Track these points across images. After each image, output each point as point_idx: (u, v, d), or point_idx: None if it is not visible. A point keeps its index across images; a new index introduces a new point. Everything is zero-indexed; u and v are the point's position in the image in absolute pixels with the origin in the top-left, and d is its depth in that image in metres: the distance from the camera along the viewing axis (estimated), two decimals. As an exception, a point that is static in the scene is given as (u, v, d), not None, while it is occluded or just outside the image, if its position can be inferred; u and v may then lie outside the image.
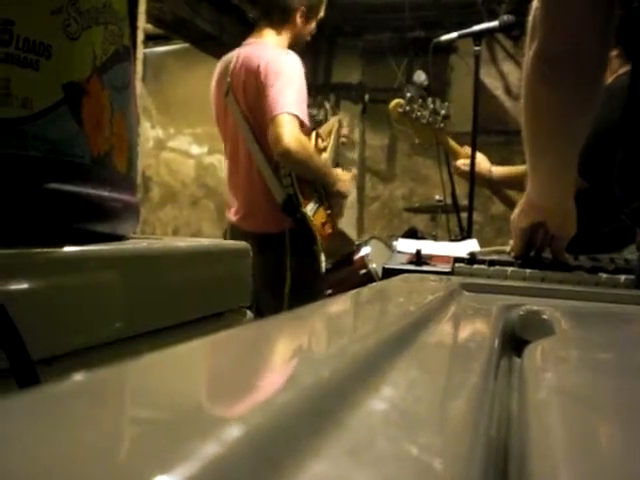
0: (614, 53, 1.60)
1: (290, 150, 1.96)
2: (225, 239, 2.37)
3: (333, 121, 2.30)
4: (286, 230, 2.13)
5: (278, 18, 2.19)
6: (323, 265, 2.20)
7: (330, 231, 2.22)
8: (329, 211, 2.22)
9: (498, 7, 4.22)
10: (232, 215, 2.31)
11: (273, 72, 2.03)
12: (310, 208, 2.13)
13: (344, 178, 2.27)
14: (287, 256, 2.13)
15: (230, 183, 2.32)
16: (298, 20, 2.21)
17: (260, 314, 2.19)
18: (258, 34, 2.23)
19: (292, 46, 2.20)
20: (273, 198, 2.14)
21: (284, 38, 2.21)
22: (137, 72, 3.02)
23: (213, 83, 2.29)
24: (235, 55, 2.21)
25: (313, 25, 2.28)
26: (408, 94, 1.95)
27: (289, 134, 1.97)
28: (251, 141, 2.14)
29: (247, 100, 2.13)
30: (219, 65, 2.29)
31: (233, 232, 2.31)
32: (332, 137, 2.29)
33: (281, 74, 2.03)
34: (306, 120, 2.07)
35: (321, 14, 2.29)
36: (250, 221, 2.23)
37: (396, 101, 1.96)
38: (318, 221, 2.15)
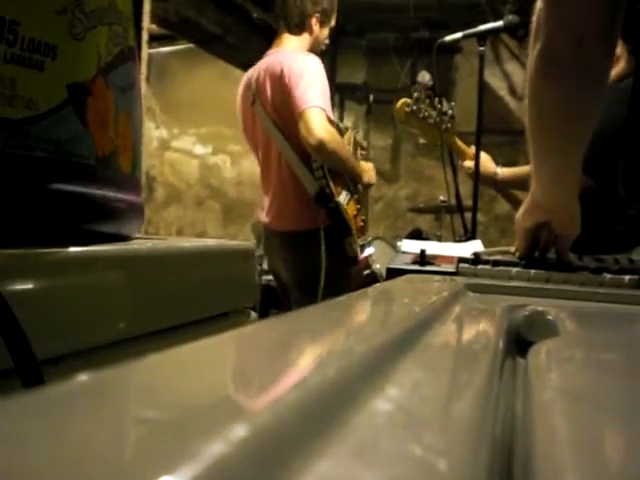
0: (624, 54, 1.60)
1: (323, 141, 2.03)
2: (259, 240, 2.49)
3: (350, 134, 2.34)
4: (320, 227, 2.19)
5: (295, 24, 2.29)
6: (358, 254, 2.28)
7: (362, 224, 2.31)
8: (359, 205, 2.29)
9: (502, 7, 4.21)
10: (264, 216, 2.38)
11: (296, 74, 2.11)
12: (342, 198, 2.20)
13: (367, 168, 2.37)
14: (322, 253, 2.19)
15: (263, 186, 2.40)
16: (314, 26, 2.30)
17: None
18: (278, 43, 2.33)
19: (310, 52, 2.28)
20: (305, 196, 2.21)
21: (303, 44, 2.30)
22: (141, 72, 3.02)
23: (238, 97, 2.39)
24: (258, 66, 2.30)
25: (327, 32, 2.37)
26: (415, 94, 1.95)
27: (320, 126, 2.05)
28: (281, 141, 2.21)
29: (274, 104, 2.21)
30: (243, 79, 2.39)
31: (266, 231, 2.39)
32: (351, 148, 2.34)
33: (304, 75, 2.11)
34: (331, 115, 2.14)
35: (333, 22, 2.39)
36: (282, 220, 2.30)
37: (403, 100, 1.96)
38: (350, 212, 2.22)
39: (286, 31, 2.31)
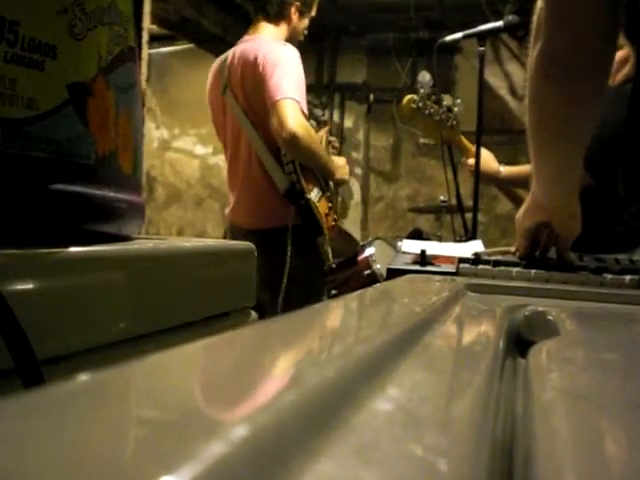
0: (632, 55, 1.59)
1: (296, 135, 1.95)
2: (225, 238, 2.37)
3: (323, 132, 2.28)
4: (288, 225, 2.10)
5: (274, 12, 2.20)
6: (330, 256, 2.18)
7: (333, 223, 2.20)
8: (330, 203, 2.20)
9: (503, 7, 4.21)
10: (231, 213, 2.29)
11: (271, 63, 2.02)
12: (314, 195, 2.11)
13: (340, 164, 2.25)
14: (287, 252, 2.10)
15: (230, 181, 2.30)
16: (293, 15, 2.21)
17: (262, 315, 2.18)
18: (254, 30, 2.23)
19: (288, 41, 2.19)
20: (273, 191, 2.12)
21: (280, 33, 2.21)
22: (142, 72, 3.02)
23: (208, 84, 2.29)
24: (231, 52, 2.20)
25: (306, 22, 2.28)
26: (421, 90, 1.95)
27: (293, 119, 1.96)
28: (251, 132, 2.13)
29: (245, 93, 2.12)
30: (214, 65, 2.29)
31: (232, 230, 2.29)
32: (323, 144, 2.25)
33: (279, 65, 2.02)
34: (305, 109, 2.05)
35: (314, 12, 2.29)
36: (250, 217, 2.21)
37: (409, 97, 1.96)
38: (322, 210, 2.13)
39: (264, 19, 2.22)
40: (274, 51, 2.07)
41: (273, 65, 2.02)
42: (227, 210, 2.32)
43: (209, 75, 2.29)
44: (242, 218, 2.23)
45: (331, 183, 2.25)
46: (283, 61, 2.03)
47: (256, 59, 2.06)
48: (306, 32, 2.31)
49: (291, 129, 1.94)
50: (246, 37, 2.24)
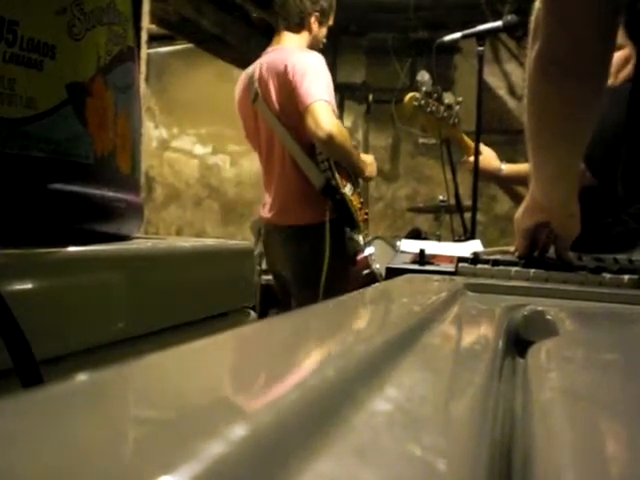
0: (628, 54, 1.59)
1: (332, 134, 2.06)
2: (258, 236, 2.47)
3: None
4: (325, 220, 2.21)
5: (295, 23, 2.31)
6: (362, 245, 2.31)
7: (365, 217, 2.32)
8: (362, 199, 2.31)
9: (502, 7, 4.21)
10: (266, 212, 2.39)
11: (300, 71, 2.14)
12: (348, 190, 2.22)
13: (369, 161, 2.39)
14: (325, 246, 2.21)
15: (265, 183, 2.41)
16: (313, 25, 2.33)
17: (289, 309, 2.26)
18: (277, 41, 2.35)
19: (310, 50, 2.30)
20: (308, 190, 2.23)
21: (302, 42, 2.33)
22: (141, 72, 3.02)
23: (237, 96, 2.40)
24: (258, 64, 2.31)
25: (325, 31, 2.40)
26: (424, 88, 1.95)
27: (328, 119, 2.08)
28: (285, 136, 2.23)
29: (278, 100, 2.22)
30: (242, 77, 2.40)
31: (268, 228, 2.39)
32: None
33: (308, 72, 2.14)
34: (336, 110, 2.18)
35: (331, 21, 2.41)
36: (285, 215, 2.31)
37: (411, 94, 1.96)
38: (355, 205, 2.24)
39: (285, 29, 2.33)
40: (301, 59, 2.19)
41: (302, 72, 2.13)
42: (262, 211, 2.42)
43: (237, 88, 2.40)
44: (278, 216, 2.33)
45: (360, 180, 2.35)
46: (311, 67, 2.15)
47: (285, 68, 2.17)
48: (325, 40, 2.43)
49: (327, 129, 2.06)
50: (270, 48, 2.34)
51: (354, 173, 2.28)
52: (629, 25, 1.07)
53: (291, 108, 2.17)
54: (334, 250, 2.23)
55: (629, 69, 1.58)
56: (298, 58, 2.19)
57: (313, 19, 2.32)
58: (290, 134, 2.22)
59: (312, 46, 2.33)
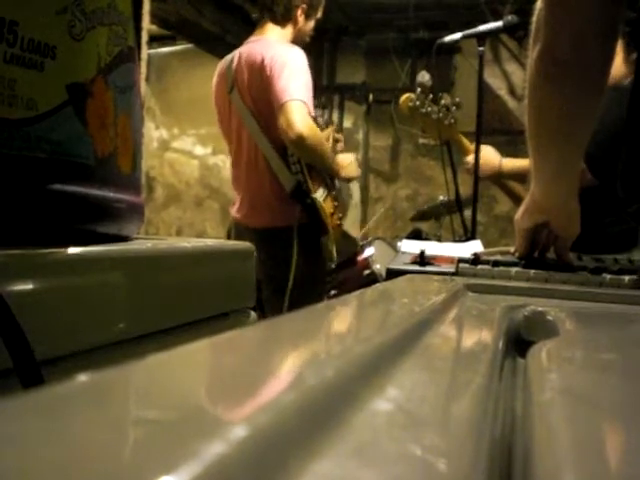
0: (632, 56, 1.60)
1: (303, 135, 1.97)
2: (229, 237, 2.39)
3: (330, 130, 2.30)
4: (294, 224, 2.13)
5: (280, 14, 2.20)
6: (334, 255, 2.21)
7: (338, 222, 2.23)
8: (336, 202, 2.22)
9: (502, 8, 4.21)
10: (235, 212, 2.31)
11: (278, 65, 2.04)
12: (319, 195, 2.14)
13: (346, 163, 2.27)
14: (293, 251, 2.13)
15: (234, 180, 2.33)
16: (299, 17, 2.22)
17: (262, 312, 2.20)
18: (260, 31, 2.24)
19: (293, 43, 2.20)
20: (279, 191, 2.15)
21: (286, 35, 2.22)
22: (141, 73, 3.02)
23: (214, 83, 2.30)
24: (237, 53, 2.22)
25: (312, 24, 2.29)
26: (419, 89, 1.95)
27: (301, 120, 1.98)
28: (257, 132, 2.15)
29: (252, 94, 2.14)
30: (220, 65, 2.31)
31: (237, 229, 2.31)
32: (330, 143, 2.27)
33: (286, 66, 2.04)
34: (312, 111, 2.08)
35: (319, 14, 2.30)
36: (255, 216, 2.22)
37: (407, 95, 1.97)
38: (327, 210, 2.16)
39: (270, 21, 2.23)
40: (281, 52, 2.09)
41: (281, 67, 2.04)
42: (232, 209, 2.34)
43: (214, 75, 2.31)
44: (247, 217, 2.25)
45: (337, 182, 2.28)
46: (290, 63, 2.05)
47: (263, 60, 2.08)
48: (312, 33, 2.33)
49: (298, 130, 1.97)
50: (252, 38, 2.25)
51: (329, 176, 2.20)
52: (630, 25, 1.07)
53: (265, 104, 2.08)
54: (306, 255, 2.15)
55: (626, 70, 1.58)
56: (277, 51, 2.09)
57: (300, 11, 2.22)
58: (262, 131, 2.13)
59: (297, 40, 2.23)
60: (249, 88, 2.14)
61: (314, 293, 2.18)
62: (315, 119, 2.12)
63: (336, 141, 2.34)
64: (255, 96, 2.13)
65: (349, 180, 2.34)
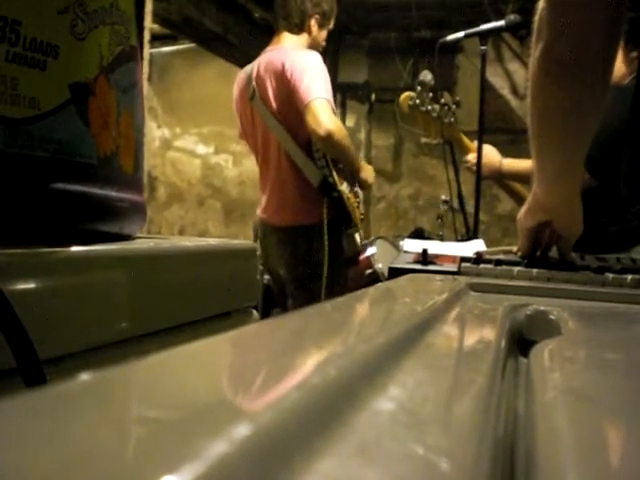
0: (631, 55, 1.60)
1: (331, 132, 2.07)
2: (255, 236, 2.48)
3: None
4: (323, 219, 2.22)
5: (295, 24, 2.32)
6: (359, 246, 2.31)
7: (362, 217, 2.33)
8: (357, 198, 2.31)
9: (504, 6, 4.21)
10: (262, 212, 2.39)
11: (299, 69, 2.15)
12: (345, 188, 2.23)
13: (367, 167, 2.38)
14: (324, 247, 2.22)
15: (261, 183, 2.42)
16: (313, 27, 2.34)
17: (284, 309, 2.27)
18: (277, 41, 2.35)
19: None
20: (305, 189, 2.24)
21: (301, 43, 2.33)
22: (143, 72, 3.02)
23: (235, 94, 2.41)
24: (256, 63, 2.32)
25: (325, 34, 2.41)
26: (419, 87, 1.95)
27: (328, 117, 2.09)
28: (281, 133, 2.23)
29: (275, 99, 2.23)
30: (240, 76, 2.41)
31: (264, 228, 2.39)
32: None
33: (306, 70, 2.14)
34: (335, 109, 2.19)
35: (331, 25, 2.42)
36: (281, 215, 2.31)
37: (406, 94, 1.97)
38: (353, 202, 2.26)
39: (285, 30, 2.34)
40: (300, 58, 2.19)
41: (301, 71, 2.14)
42: (258, 211, 2.43)
43: (235, 86, 2.41)
44: (274, 216, 2.34)
45: (356, 181, 2.35)
46: (309, 66, 2.16)
47: (283, 66, 2.17)
48: (324, 43, 2.44)
49: (326, 126, 2.07)
50: (269, 47, 2.35)
51: (351, 173, 2.28)
52: (630, 23, 1.07)
53: (288, 106, 2.18)
54: (332, 251, 2.24)
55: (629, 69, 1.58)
56: (296, 57, 2.20)
57: (313, 21, 2.33)
58: (287, 132, 2.22)
59: (311, 48, 2.33)
60: (273, 93, 2.23)
61: (342, 288, 2.27)
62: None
63: None
64: (278, 100, 2.22)
65: (366, 185, 2.39)
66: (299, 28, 2.33)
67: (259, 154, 2.38)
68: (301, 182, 2.24)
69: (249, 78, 2.31)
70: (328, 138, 2.08)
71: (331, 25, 2.41)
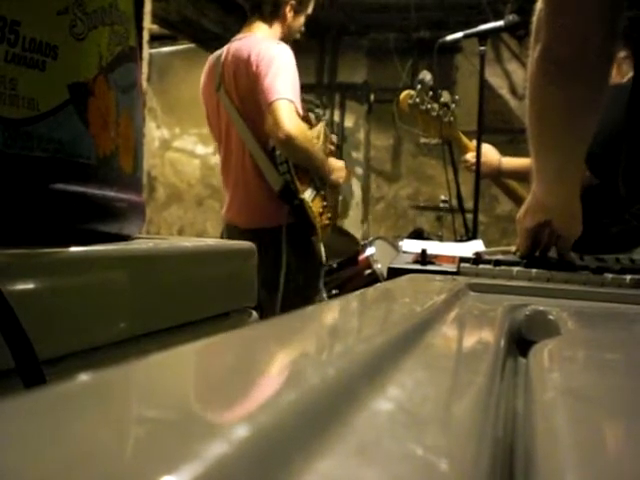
0: (625, 55, 1.60)
1: (291, 136, 1.94)
2: (222, 238, 2.34)
3: (321, 127, 2.24)
4: (283, 224, 2.10)
5: (269, 11, 2.18)
6: (323, 256, 2.18)
7: (327, 222, 2.17)
8: (325, 202, 2.17)
9: (503, 7, 4.21)
10: (226, 212, 2.28)
11: (265, 62, 2.01)
12: (308, 195, 2.10)
13: (337, 167, 2.22)
14: (282, 251, 2.11)
15: (224, 180, 2.29)
16: (288, 14, 2.19)
17: (261, 313, 2.18)
18: (248, 28, 2.21)
19: (282, 40, 2.17)
20: (268, 191, 2.11)
21: (275, 32, 2.19)
22: (142, 72, 3.02)
23: (202, 81, 2.29)
24: (225, 50, 2.19)
25: (302, 20, 2.25)
26: (419, 86, 1.95)
27: (289, 120, 1.95)
28: (244, 131, 2.12)
29: (239, 92, 2.11)
30: (208, 62, 2.28)
31: (229, 229, 2.28)
32: (320, 141, 2.20)
33: (273, 63, 2.01)
34: (300, 108, 2.05)
35: (309, 10, 2.26)
36: (244, 216, 2.20)
37: (406, 92, 1.96)
38: (316, 210, 2.12)
39: (258, 17, 2.19)
40: (267, 50, 2.05)
41: (267, 64, 2.01)
42: (223, 210, 2.31)
43: (203, 72, 2.29)
44: (237, 217, 2.22)
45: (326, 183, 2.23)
46: (277, 60, 2.02)
47: (249, 57, 2.05)
48: (302, 30, 2.29)
49: (286, 130, 1.93)
50: (240, 35, 2.21)
51: (319, 177, 2.14)
52: (630, 23, 1.07)
53: (252, 102, 2.06)
54: (297, 255, 2.13)
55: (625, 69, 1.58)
56: (264, 48, 2.06)
57: (288, 7, 2.18)
58: (250, 130, 2.10)
59: (285, 36, 2.20)
60: (236, 85, 2.11)
61: (307, 293, 2.16)
62: (306, 117, 2.09)
63: (326, 137, 2.26)
64: (242, 94, 2.10)
65: (337, 185, 2.25)
66: (272, 15, 2.18)
67: (222, 145, 2.24)
68: (265, 184, 2.12)
69: (217, 65, 2.18)
70: (288, 142, 1.95)
71: (309, 10, 2.25)
